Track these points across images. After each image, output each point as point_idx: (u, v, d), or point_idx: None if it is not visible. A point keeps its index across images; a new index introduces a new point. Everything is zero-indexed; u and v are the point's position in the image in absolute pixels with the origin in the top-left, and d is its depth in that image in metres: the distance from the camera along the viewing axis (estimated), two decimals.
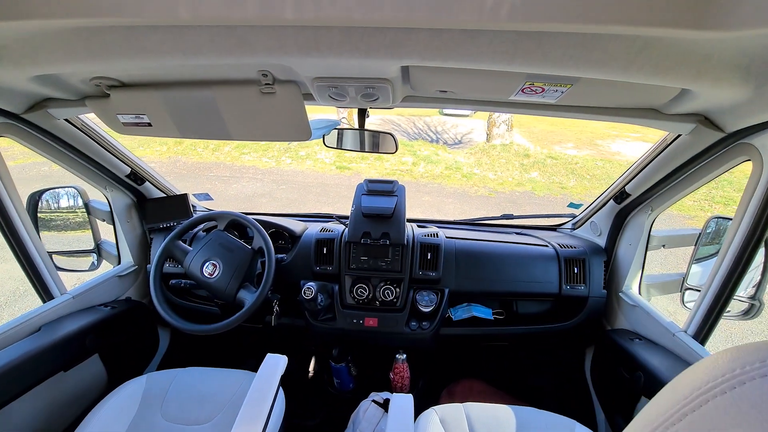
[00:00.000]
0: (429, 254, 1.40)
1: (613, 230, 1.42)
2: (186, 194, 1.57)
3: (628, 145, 10.35)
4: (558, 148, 9.61)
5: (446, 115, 13.22)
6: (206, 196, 1.73)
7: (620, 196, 1.33)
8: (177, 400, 1.13)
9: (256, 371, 1.22)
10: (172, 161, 7.74)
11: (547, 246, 1.51)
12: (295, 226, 1.52)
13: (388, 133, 1.09)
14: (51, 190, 1.41)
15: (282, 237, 1.53)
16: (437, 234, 1.48)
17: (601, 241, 1.48)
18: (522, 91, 0.88)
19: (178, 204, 1.55)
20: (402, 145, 8.48)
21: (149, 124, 1.03)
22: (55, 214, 1.48)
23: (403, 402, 0.95)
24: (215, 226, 1.38)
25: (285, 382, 1.08)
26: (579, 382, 1.58)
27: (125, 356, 1.39)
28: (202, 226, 1.49)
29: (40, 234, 1.32)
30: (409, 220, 1.56)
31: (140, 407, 1.10)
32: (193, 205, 1.65)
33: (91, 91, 0.99)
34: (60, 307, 1.20)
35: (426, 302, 1.37)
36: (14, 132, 1.03)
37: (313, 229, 1.52)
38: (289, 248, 1.50)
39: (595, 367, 1.46)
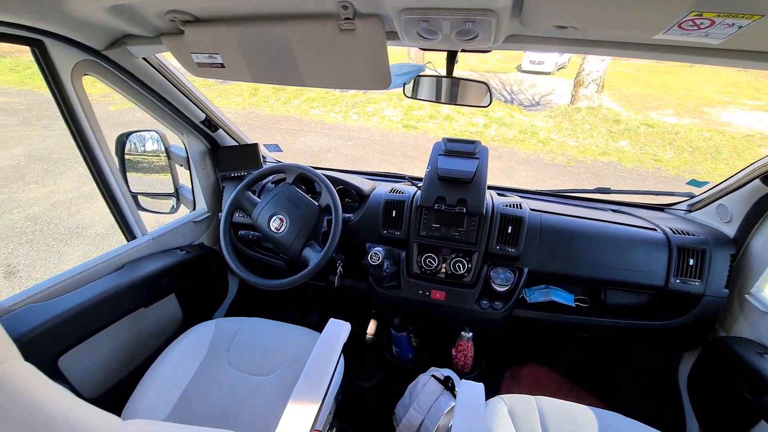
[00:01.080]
0: (510, 227, 1.24)
1: (751, 218, 1.13)
2: (257, 144, 1.54)
3: (743, 115, 8.74)
4: (654, 114, 8.41)
5: (525, 72, 12.11)
6: (276, 147, 1.70)
7: None
8: (241, 348, 1.15)
9: (317, 329, 1.21)
10: (247, 112, 8.04)
11: (654, 229, 1.27)
12: (363, 184, 1.43)
13: (482, 82, 0.91)
14: (136, 133, 1.45)
15: (349, 195, 1.46)
16: (520, 205, 1.30)
17: (730, 230, 1.21)
18: (680, 26, 0.65)
19: (249, 153, 1.53)
20: None
21: (222, 65, 0.97)
22: (140, 156, 1.54)
23: (473, 391, 0.86)
24: (284, 179, 1.34)
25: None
26: (666, 387, 1.37)
27: (198, 299, 1.46)
28: (271, 177, 1.46)
29: (127, 174, 1.38)
30: (489, 188, 1.40)
31: (209, 351, 1.14)
32: (263, 156, 1.62)
33: (166, 28, 0.93)
34: (141, 248, 1.25)
35: (501, 281, 1.23)
36: (97, 70, 1.03)
37: (383, 189, 1.42)
38: (356, 207, 1.42)
39: (697, 376, 1.25)
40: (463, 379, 0.90)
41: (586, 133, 7.15)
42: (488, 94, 0.92)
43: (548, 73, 12.02)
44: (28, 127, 6.39)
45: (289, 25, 0.83)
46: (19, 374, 0.38)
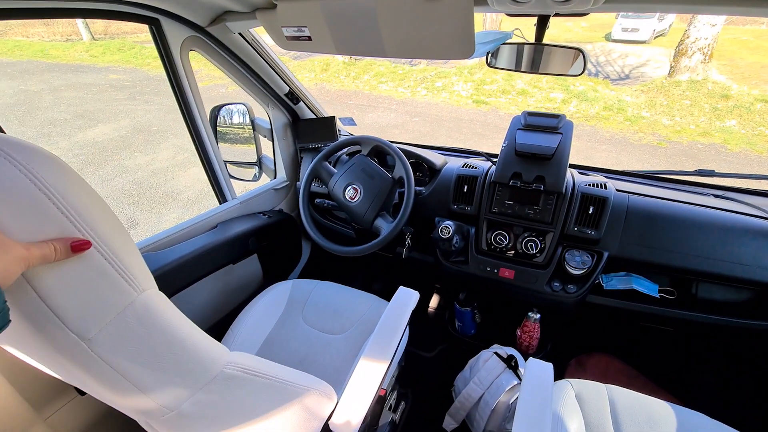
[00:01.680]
0: (591, 208, 1.17)
1: None
2: (334, 117, 1.59)
3: None
4: None
5: (615, 41, 10.85)
6: (350, 121, 1.75)
7: None
8: (315, 307, 1.24)
9: (381, 297, 1.27)
10: (318, 88, 8.28)
11: (767, 219, 1.11)
12: (435, 158, 1.43)
13: (577, 49, 0.85)
14: (226, 106, 1.58)
15: (420, 169, 1.46)
16: (605, 185, 1.21)
17: None
18: None
19: (326, 126, 1.59)
20: (552, 78, 7.37)
21: (309, 38, 1.01)
22: (229, 127, 1.68)
23: (542, 369, 0.85)
24: (359, 151, 1.38)
25: None
26: (760, 394, 1.23)
27: (276, 260, 1.59)
28: (346, 149, 1.51)
29: (218, 144, 1.52)
30: (571, 166, 1.32)
31: (286, 307, 1.25)
32: (338, 129, 1.68)
33: (261, 3, 0.99)
34: (231, 210, 1.39)
35: (577, 263, 1.17)
36: (200, 45, 1.13)
37: (455, 163, 1.40)
38: (427, 182, 1.43)
39: None
40: (531, 357, 0.90)
41: (685, 111, 6.32)
42: (582, 60, 0.85)
43: (643, 42, 10.67)
44: (133, 101, 7.21)
45: None
46: (159, 300, 0.46)
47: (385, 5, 0.84)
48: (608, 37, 11.27)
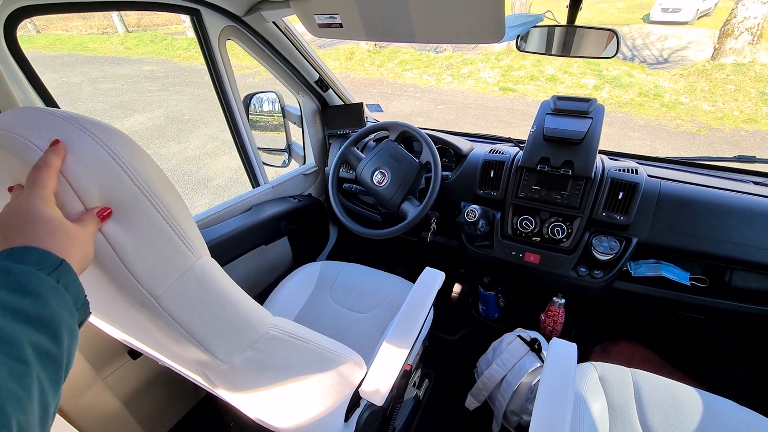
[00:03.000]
0: (621, 193, 1.16)
1: None
2: (361, 103, 1.62)
3: None
4: None
5: (654, 23, 10.29)
6: (377, 108, 1.77)
7: None
8: (343, 288, 1.30)
9: (406, 279, 1.30)
10: (343, 76, 8.30)
11: None
12: (462, 144, 1.44)
13: (611, 30, 0.84)
14: (257, 94, 1.63)
15: (447, 154, 1.48)
16: (636, 170, 1.19)
17: None
18: None
19: (354, 112, 1.62)
20: (584, 63, 7.09)
21: (340, 25, 1.04)
22: (260, 115, 1.74)
23: (566, 348, 0.87)
24: (385, 137, 1.41)
25: None
26: None
27: (305, 243, 1.65)
28: (373, 135, 1.54)
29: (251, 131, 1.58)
30: (601, 152, 1.30)
31: (315, 287, 1.31)
32: (365, 116, 1.71)
33: None
34: (263, 194, 1.45)
35: (604, 249, 1.17)
36: (237, 35, 1.18)
37: (481, 149, 1.41)
38: (453, 167, 1.45)
39: None
40: (554, 338, 0.91)
41: (729, 96, 5.96)
42: (615, 41, 0.84)
43: (685, 23, 10.06)
44: (166, 92, 7.47)
45: None
46: (213, 266, 0.51)
47: None
48: (647, 19, 10.68)
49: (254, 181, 1.46)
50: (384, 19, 0.97)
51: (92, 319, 0.63)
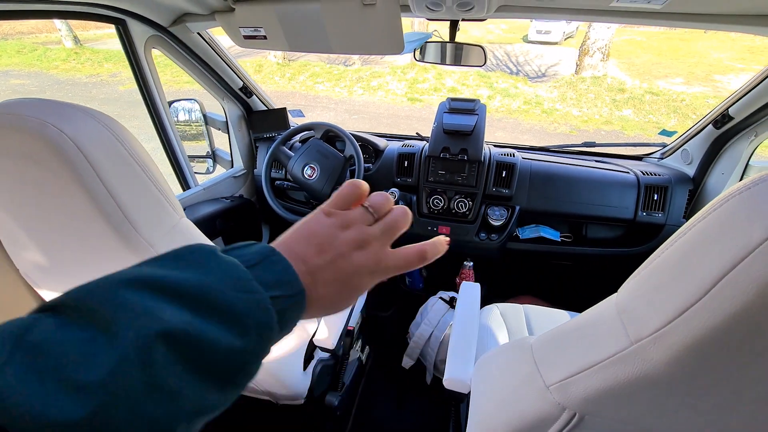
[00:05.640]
0: (504, 172, 1.47)
1: (706, 158, 1.35)
2: (284, 108, 1.76)
3: None
4: (662, 83, 8.39)
5: (531, 42, 11.95)
6: (299, 113, 1.92)
7: (721, 119, 1.25)
8: None
9: None
10: None
11: (628, 173, 1.49)
12: (378, 141, 1.66)
13: (479, 46, 1.12)
14: (177, 101, 1.67)
15: (366, 150, 1.69)
16: (513, 154, 1.53)
17: (691, 170, 1.43)
18: None
19: (279, 117, 1.75)
20: (478, 76, 8.00)
21: (264, 37, 1.18)
22: (181, 123, 1.77)
23: (472, 289, 1.11)
24: (310, 138, 1.57)
25: None
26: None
27: (239, 241, 1.71)
28: (299, 136, 1.69)
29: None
30: (487, 143, 1.62)
31: None
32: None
33: (219, 6, 1.15)
34: (195, 195, 1.51)
35: (497, 216, 1.47)
36: (162, 44, 1.25)
37: (395, 144, 1.65)
38: (373, 161, 1.66)
39: None
40: (463, 281, 1.16)
41: (590, 103, 7.23)
42: (484, 53, 1.13)
43: (555, 43, 11.88)
44: None
45: (321, 3, 1.04)
46: (192, 225, 0.63)
47: (330, 10, 1.05)
48: (525, 39, 12.38)
49: (184, 184, 1.51)
50: (304, 32, 1.14)
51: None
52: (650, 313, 0.36)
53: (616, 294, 0.44)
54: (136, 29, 1.17)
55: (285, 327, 0.27)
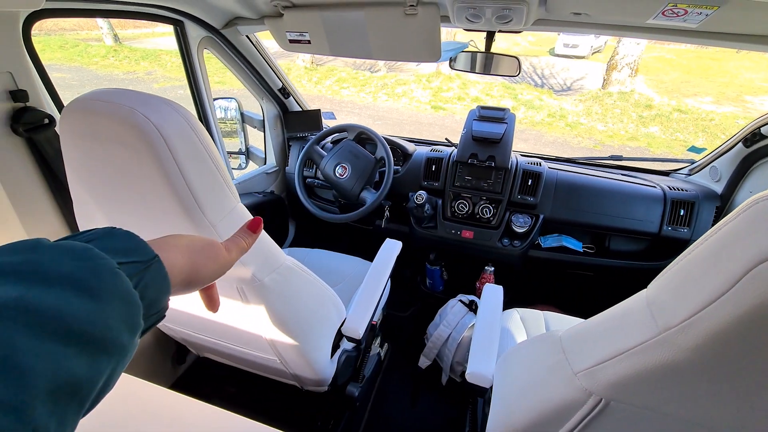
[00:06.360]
0: (530, 180, 1.50)
1: (735, 176, 1.35)
2: (319, 110, 1.84)
3: None
4: (691, 101, 8.20)
5: (557, 56, 11.87)
6: (331, 115, 1.99)
7: (751, 138, 1.25)
8: (311, 268, 1.47)
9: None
10: None
11: (654, 187, 1.50)
12: (407, 145, 1.72)
13: (514, 57, 1.17)
14: (218, 100, 1.76)
15: (395, 154, 1.74)
16: (540, 163, 1.56)
17: (719, 187, 1.43)
18: (663, 13, 0.89)
19: (312, 118, 1.83)
20: (503, 87, 8.01)
21: (309, 42, 1.25)
22: (218, 120, 1.86)
23: (495, 291, 1.14)
24: (342, 139, 1.63)
25: None
26: None
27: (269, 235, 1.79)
28: (331, 137, 1.76)
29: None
30: (514, 151, 1.65)
31: None
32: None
33: (269, 12, 1.23)
34: None
35: (520, 223, 1.50)
36: (213, 45, 1.34)
37: (424, 149, 1.70)
38: (401, 164, 1.71)
39: None
40: (486, 283, 1.19)
41: (616, 118, 7.14)
42: (518, 65, 1.17)
43: (582, 57, 11.77)
44: None
45: (365, 11, 1.10)
46: (245, 210, 0.69)
47: (373, 18, 1.11)
48: (552, 52, 12.31)
49: None
50: (346, 39, 1.21)
51: None
52: (679, 304, 0.39)
53: (645, 289, 0.48)
54: (192, 31, 1.26)
55: (151, 293, 0.28)
